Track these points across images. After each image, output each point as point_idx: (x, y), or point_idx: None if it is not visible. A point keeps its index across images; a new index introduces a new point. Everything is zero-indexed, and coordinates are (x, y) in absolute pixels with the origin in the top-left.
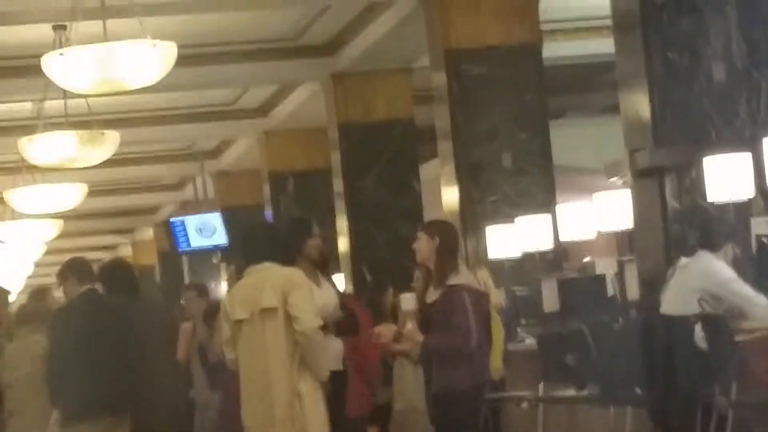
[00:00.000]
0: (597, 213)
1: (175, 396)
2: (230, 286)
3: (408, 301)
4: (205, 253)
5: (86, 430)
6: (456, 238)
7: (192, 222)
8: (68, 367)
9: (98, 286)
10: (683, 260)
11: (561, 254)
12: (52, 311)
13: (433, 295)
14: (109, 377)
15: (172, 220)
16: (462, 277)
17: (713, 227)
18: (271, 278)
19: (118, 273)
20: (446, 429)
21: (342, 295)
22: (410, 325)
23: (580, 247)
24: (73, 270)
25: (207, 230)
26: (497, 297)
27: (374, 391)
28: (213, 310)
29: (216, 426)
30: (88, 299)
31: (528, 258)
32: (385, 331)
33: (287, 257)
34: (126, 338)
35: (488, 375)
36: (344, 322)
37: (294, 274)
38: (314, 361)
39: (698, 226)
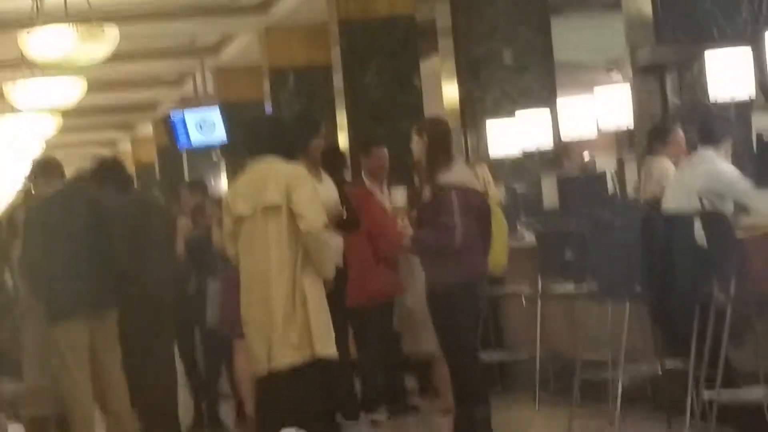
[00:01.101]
0: (598, 108)
1: (168, 289)
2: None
3: (398, 195)
4: (205, 150)
5: (72, 327)
6: (446, 136)
7: (192, 118)
8: (46, 267)
9: (84, 184)
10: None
11: (561, 152)
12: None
13: (426, 192)
14: (90, 272)
15: (172, 116)
16: (453, 174)
17: (714, 123)
18: (274, 174)
19: (109, 170)
20: (442, 324)
21: (344, 191)
22: (400, 221)
23: (580, 144)
24: (41, 170)
25: (207, 126)
26: (496, 194)
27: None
28: (200, 207)
29: (217, 316)
30: (60, 196)
31: (528, 156)
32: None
33: (291, 152)
34: (105, 232)
35: (480, 271)
36: (346, 219)
37: (297, 169)
38: (319, 259)
39: (698, 122)
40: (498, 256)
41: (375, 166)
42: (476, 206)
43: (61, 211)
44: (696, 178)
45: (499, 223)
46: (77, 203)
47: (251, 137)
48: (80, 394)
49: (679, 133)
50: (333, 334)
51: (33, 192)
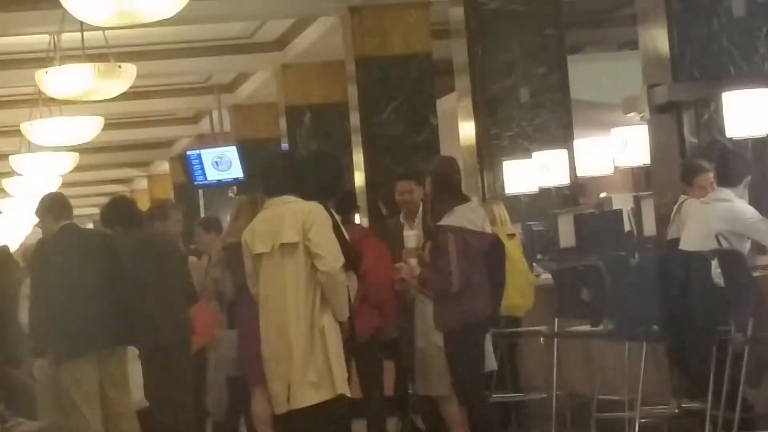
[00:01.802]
0: (614, 148)
1: (179, 326)
2: (235, 218)
3: (410, 239)
4: (221, 187)
5: (80, 366)
6: (450, 176)
7: (208, 155)
8: (53, 305)
9: (78, 221)
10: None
11: (577, 189)
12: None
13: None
14: (96, 310)
15: (188, 152)
16: (452, 217)
17: (732, 162)
18: (290, 212)
19: (119, 208)
20: (450, 366)
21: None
22: (413, 261)
23: (596, 182)
24: (48, 207)
25: (223, 164)
26: (514, 233)
27: (386, 319)
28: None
29: (233, 361)
30: (67, 233)
31: (544, 193)
32: (406, 267)
33: (308, 191)
34: (113, 269)
35: (483, 314)
36: (346, 258)
37: (314, 208)
38: (335, 300)
39: (716, 161)
40: (514, 297)
41: (399, 200)
42: (478, 249)
43: (66, 248)
44: (714, 217)
45: (515, 264)
46: (84, 240)
47: (268, 175)
48: (90, 430)
49: (709, 177)
50: (346, 373)
51: (41, 229)
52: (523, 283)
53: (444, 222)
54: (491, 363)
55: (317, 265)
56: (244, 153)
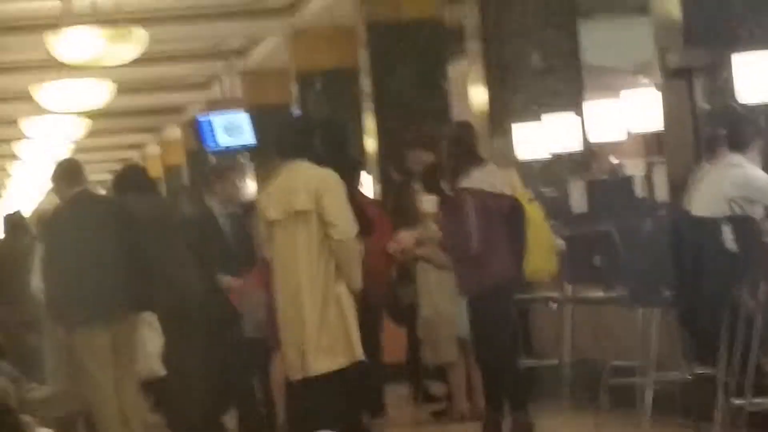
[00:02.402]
0: (626, 113)
1: (196, 292)
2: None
3: (427, 203)
4: (232, 153)
5: (92, 333)
6: (468, 140)
7: (219, 121)
8: (67, 272)
9: (92, 188)
10: (706, 165)
11: (589, 156)
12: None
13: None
14: (109, 278)
15: (199, 118)
16: (471, 179)
17: (743, 127)
18: (304, 178)
19: (130, 175)
20: (473, 330)
21: (357, 194)
22: (433, 226)
23: (608, 148)
24: (64, 173)
25: (234, 129)
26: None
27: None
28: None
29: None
30: (81, 200)
31: (556, 159)
32: (407, 236)
33: (323, 157)
34: (124, 236)
35: (505, 276)
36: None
37: (328, 175)
38: (348, 268)
39: (727, 126)
40: (537, 261)
41: (413, 168)
42: (498, 211)
43: (80, 214)
44: (726, 183)
45: (537, 228)
46: (98, 207)
47: (282, 139)
48: (104, 396)
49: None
50: (360, 338)
51: (55, 195)
52: (545, 247)
53: (462, 185)
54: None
55: (331, 233)
56: (255, 119)
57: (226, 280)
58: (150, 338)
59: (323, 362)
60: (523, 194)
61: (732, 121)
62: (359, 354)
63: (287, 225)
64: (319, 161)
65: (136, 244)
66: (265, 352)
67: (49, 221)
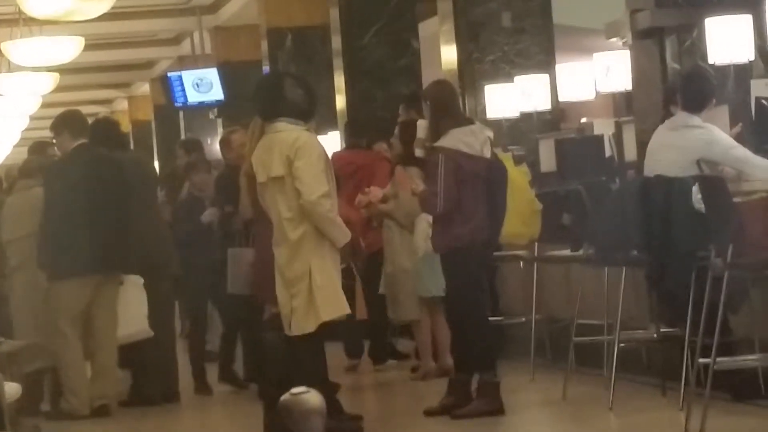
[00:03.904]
0: (596, 73)
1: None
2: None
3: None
4: (201, 109)
5: (73, 286)
6: (445, 99)
7: (189, 77)
8: (63, 222)
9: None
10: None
11: (559, 114)
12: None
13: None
14: (104, 232)
15: (169, 74)
16: (446, 139)
17: (695, 86)
18: (279, 142)
19: (105, 130)
20: (446, 288)
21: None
22: (420, 185)
23: (577, 107)
24: (67, 123)
25: (204, 85)
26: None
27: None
28: (190, 166)
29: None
30: (83, 153)
31: (526, 117)
32: (375, 190)
33: (302, 117)
34: (122, 193)
35: (476, 238)
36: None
37: (301, 136)
38: (326, 229)
39: (680, 86)
40: (517, 225)
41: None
42: (472, 172)
43: (79, 167)
44: (689, 144)
45: (520, 191)
46: (96, 162)
47: (258, 99)
48: (71, 351)
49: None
50: (340, 298)
51: (56, 145)
52: (527, 211)
53: (437, 143)
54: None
55: (301, 201)
56: (225, 75)
57: None
58: (140, 300)
59: (297, 325)
60: (507, 157)
61: (684, 79)
62: (325, 315)
63: (269, 189)
64: (296, 115)
65: (123, 203)
66: (255, 309)
67: (49, 171)
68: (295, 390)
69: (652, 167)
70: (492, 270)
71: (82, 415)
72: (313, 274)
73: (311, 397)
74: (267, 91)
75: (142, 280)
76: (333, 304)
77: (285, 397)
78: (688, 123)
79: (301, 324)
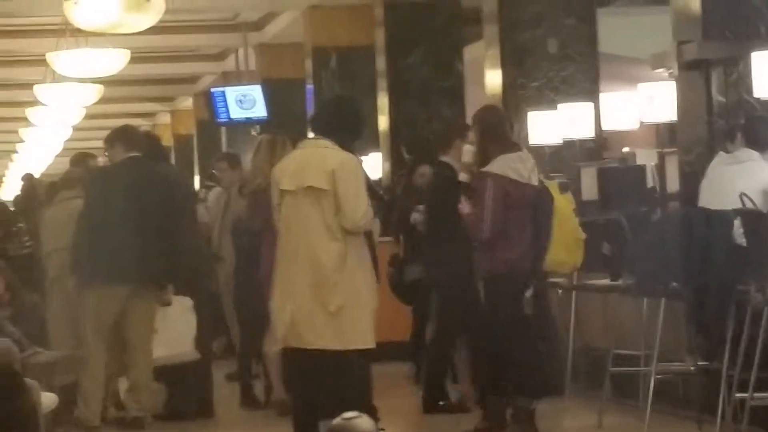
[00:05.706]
0: (641, 103)
1: (199, 261)
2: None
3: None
4: (243, 125)
5: (100, 294)
6: (495, 126)
7: (232, 93)
8: (97, 230)
9: (98, 153)
10: (724, 155)
11: (601, 143)
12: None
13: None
14: (138, 243)
15: (212, 90)
16: (495, 165)
17: (760, 127)
18: (319, 156)
19: (147, 144)
20: (486, 314)
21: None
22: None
23: (620, 137)
24: (120, 137)
25: (247, 102)
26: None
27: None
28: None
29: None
30: (132, 164)
31: (568, 145)
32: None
33: (347, 138)
34: (164, 206)
35: (519, 266)
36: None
37: (349, 161)
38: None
39: (744, 122)
40: (560, 253)
41: None
42: (520, 200)
43: (126, 177)
44: (739, 180)
45: (565, 220)
46: (144, 174)
47: (315, 115)
48: (92, 361)
49: None
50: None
51: (108, 157)
52: (570, 240)
53: (486, 168)
54: None
55: (342, 221)
56: (268, 92)
57: None
58: (188, 321)
59: (307, 339)
60: (553, 185)
61: (748, 119)
62: (352, 343)
63: (297, 198)
64: (343, 144)
65: (166, 216)
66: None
67: (94, 178)
68: (347, 414)
69: (717, 199)
70: (545, 298)
71: (92, 426)
72: (339, 294)
73: (363, 422)
74: (329, 109)
75: (191, 302)
76: (355, 334)
77: (337, 421)
78: (753, 158)
79: (358, 337)
